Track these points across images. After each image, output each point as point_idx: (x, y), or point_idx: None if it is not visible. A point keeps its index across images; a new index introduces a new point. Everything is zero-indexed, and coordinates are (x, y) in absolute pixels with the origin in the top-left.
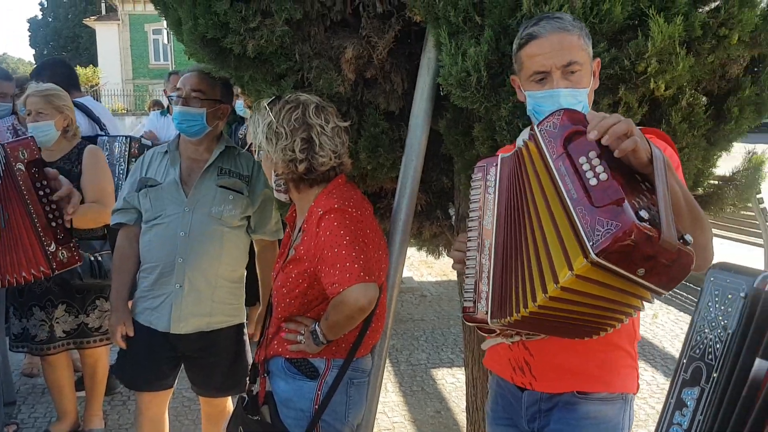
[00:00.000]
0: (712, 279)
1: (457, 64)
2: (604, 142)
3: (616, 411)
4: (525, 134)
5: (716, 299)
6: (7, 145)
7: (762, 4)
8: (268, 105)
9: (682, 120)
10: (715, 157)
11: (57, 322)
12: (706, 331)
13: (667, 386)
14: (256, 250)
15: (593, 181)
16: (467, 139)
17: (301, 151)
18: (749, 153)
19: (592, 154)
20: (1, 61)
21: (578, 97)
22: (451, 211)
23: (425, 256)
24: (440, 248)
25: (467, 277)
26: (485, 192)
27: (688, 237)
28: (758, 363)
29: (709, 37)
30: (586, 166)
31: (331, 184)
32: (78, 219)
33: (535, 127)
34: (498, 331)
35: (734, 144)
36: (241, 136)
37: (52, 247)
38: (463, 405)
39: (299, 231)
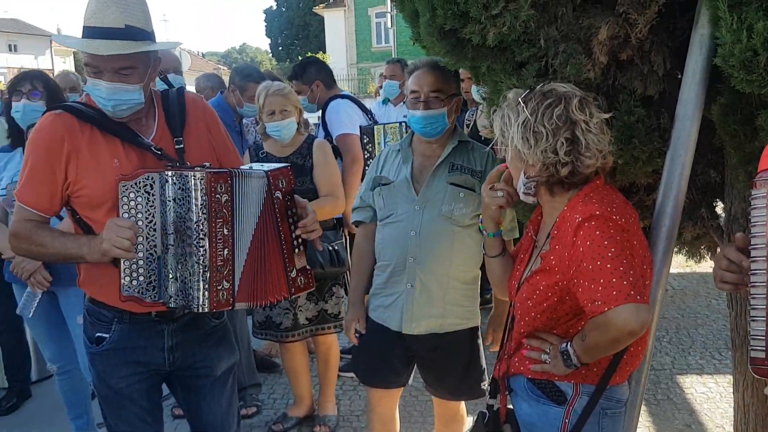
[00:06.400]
0: None
1: (741, 42)
2: None
3: None
4: None
5: None
6: (270, 173)
7: None
8: (522, 100)
9: None
10: None
11: (300, 310)
12: None
13: None
14: None
15: None
16: (748, 128)
17: (565, 154)
18: None
19: None
20: (242, 50)
21: None
22: (719, 210)
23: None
24: (702, 251)
25: (754, 320)
26: None
27: None
28: None
29: None
30: None
31: (588, 187)
32: (318, 212)
33: None
34: None
35: None
36: (468, 123)
37: (293, 273)
38: (717, 419)
39: (548, 237)
